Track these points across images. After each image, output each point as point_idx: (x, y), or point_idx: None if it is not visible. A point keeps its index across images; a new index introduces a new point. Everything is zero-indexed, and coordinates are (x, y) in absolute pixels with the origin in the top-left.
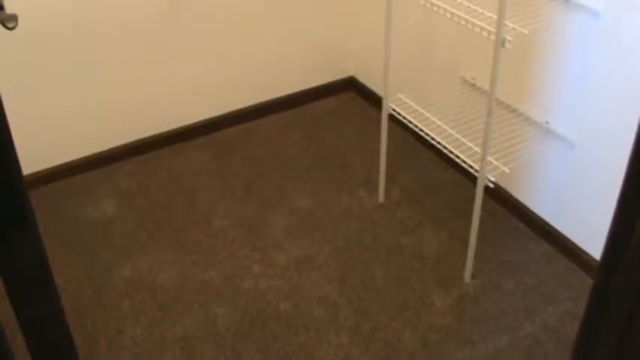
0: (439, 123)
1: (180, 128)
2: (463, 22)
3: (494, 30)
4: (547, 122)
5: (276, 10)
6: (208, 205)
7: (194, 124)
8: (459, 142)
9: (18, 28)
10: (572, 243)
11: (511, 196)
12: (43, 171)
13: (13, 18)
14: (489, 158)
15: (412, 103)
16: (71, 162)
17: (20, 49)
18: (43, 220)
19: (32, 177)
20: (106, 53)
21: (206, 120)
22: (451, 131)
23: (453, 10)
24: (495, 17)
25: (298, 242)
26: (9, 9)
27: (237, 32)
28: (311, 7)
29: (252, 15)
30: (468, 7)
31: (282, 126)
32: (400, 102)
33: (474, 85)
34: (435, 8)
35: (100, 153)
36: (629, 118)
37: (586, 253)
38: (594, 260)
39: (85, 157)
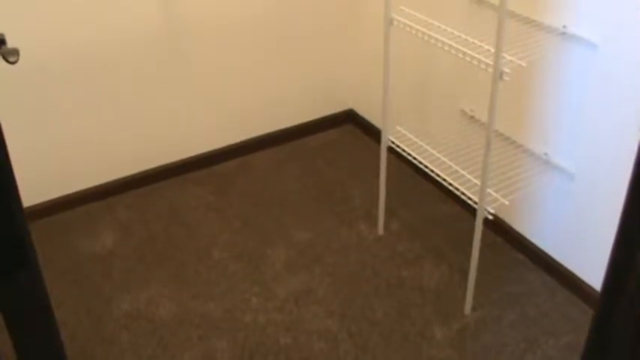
0: (438, 155)
1: (180, 161)
2: (461, 55)
3: (491, 63)
4: (546, 154)
5: (275, 45)
6: (208, 238)
7: (193, 157)
8: (458, 174)
9: (18, 61)
10: (573, 274)
11: (511, 227)
12: (43, 203)
13: (15, 52)
14: (488, 190)
15: (411, 136)
16: (71, 195)
17: (20, 83)
18: (42, 253)
19: (32, 209)
20: (106, 87)
21: (205, 153)
22: (450, 163)
23: (451, 43)
24: (493, 50)
25: (298, 275)
26: (10, 43)
27: (236, 66)
28: (309, 41)
29: (252, 49)
30: (466, 39)
31: (281, 159)
32: (399, 134)
33: (472, 117)
34: (433, 41)
35: (99, 186)
36: (628, 149)
37: (587, 285)
38: (595, 292)
39: (85, 190)
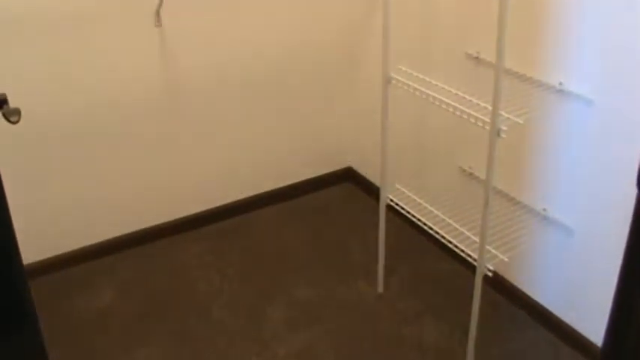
0: (437, 212)
1: (179, 219)
2: (458, 113)
3: (489, 120)
4: (545, 210)
5: (274, 103)
6: (207, 296)
7: (193, 215)
8: (458, 232)
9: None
10: (575, 330)
11: (511, 284)
12: (43, 261)
13: (17, 112)
14: (488, 247)
15: (410, 194)
16: (70, 252)
17: (20, 141)
18: (41, 310)
19: (32, 267)
20: (106, 146)
21: (205, 211)
22: (449, 220)
23: (449, 101)
24: (490, 107)
25: (298, 333)
26: (11, 103)
27: (235, 124)
28: (307, 99)
29: (250, 108)
30: (464, 97)
31: (281, 217)
32: (398, 192)
33: (471, 174)
34: (431, 99)
35: (99, 243)
36: (626, 204)
37: (589, 341)
38: (597, 348)
39: (84, 248)
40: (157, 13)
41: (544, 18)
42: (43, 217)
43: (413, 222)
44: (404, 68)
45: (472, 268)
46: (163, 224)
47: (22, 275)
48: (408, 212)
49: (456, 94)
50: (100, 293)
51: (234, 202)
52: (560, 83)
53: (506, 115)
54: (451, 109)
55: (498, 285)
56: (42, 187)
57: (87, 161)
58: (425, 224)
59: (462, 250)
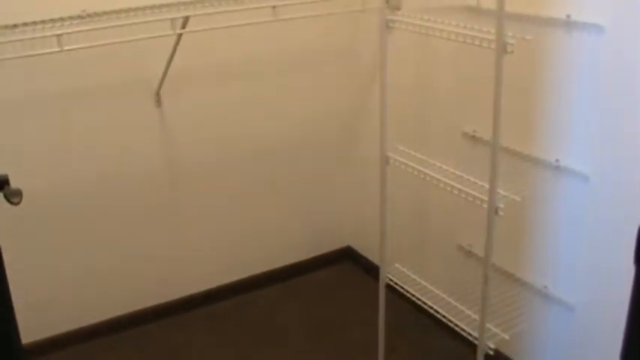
0: (437, 291)
1: (178, 300)
2: (456, 192)
3: (486, 198)
4: (545, 287)
5: (273, 184)
6: None
7: (191, 295)
8: (458, 310)
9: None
10: None
11: None
12: (42, 340)
13: (18, 193)
14: (488, 325)
15: (409, 273)
16: (69, 332)
17: (20, 218)
18: None
19: (31, 346)
20: (105, 226)
21: (204, 291)
22: (449, 299)
23: (446, 180)
24: (487, 186)
25: None
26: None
27: (233, 206)
28: (306, 179)
29: (249, 187)
30: (461, 176)
31: (279, 297)
32: (397, 271)
33: (470, 252)
34: (429, 178)
35: (98, 323)
36: (625, 279)
37: None
38: None
39: (83, 328)
40: (157, 94)
41: (540, 96)
42: (41, 296)
43: (413, 300)
44: (402, 148)
45: (473, 346)
46: (161, 305)
47: (21, 356)
48: (408, 291)
49: (454, 173)
50: None
51: (233, 282)
52: (557, 160)
53: (504, 193)
54: (449, 188)
55: None
56: (38, 268)
57: (87, 239)
58: (425, 303)
59: (463, 329)
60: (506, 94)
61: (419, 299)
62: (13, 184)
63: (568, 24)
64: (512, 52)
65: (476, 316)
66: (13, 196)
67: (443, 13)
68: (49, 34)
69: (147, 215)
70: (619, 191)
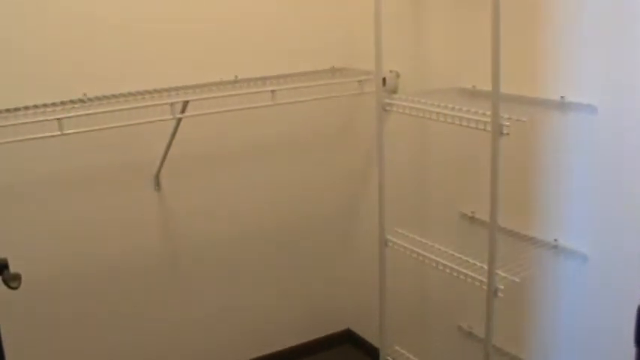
0: None
1: None
2: (455, 274)
3: (486, 280)
4: None
5: (271, 267)
6: None
7: None
8: None
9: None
10: None
11: None
12: None
13: (17, 278)
14: None
15: (409, 355)
16: None
17: (20, 299)
18: None
19: None
20: (106, 304)
21: None
22: None
23: (445, 262)
24: (486, 267)
25: None
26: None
27: (232, 288)
28: (305, 262)
29: (248, 270)
30: (460, 257)
31: None
32: (397, 354)
33: (470, 333)
34: (427, 261)
35: None
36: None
37: None
38: None
39: None
40: (157, 178)
41: (537, 176)
42: None
43: None
44: (400, 230)
45: None
46: None
47: None
48: None
49: (453, 255)
50: None
51: None
52: (555, 240)
53: (503, 274)
54: (448, 270)
55: None
56: (37, 345)
57: (86, 320)
58: None
59: None
60: (504, 175)
61: None
62: (13, 268)
63: (563, 105)
64: (507, 133)
65: None
66: (12, 281)
67: (438, 95)
68: (50, 117)
69: (144, 298)
70: (618, 271)
